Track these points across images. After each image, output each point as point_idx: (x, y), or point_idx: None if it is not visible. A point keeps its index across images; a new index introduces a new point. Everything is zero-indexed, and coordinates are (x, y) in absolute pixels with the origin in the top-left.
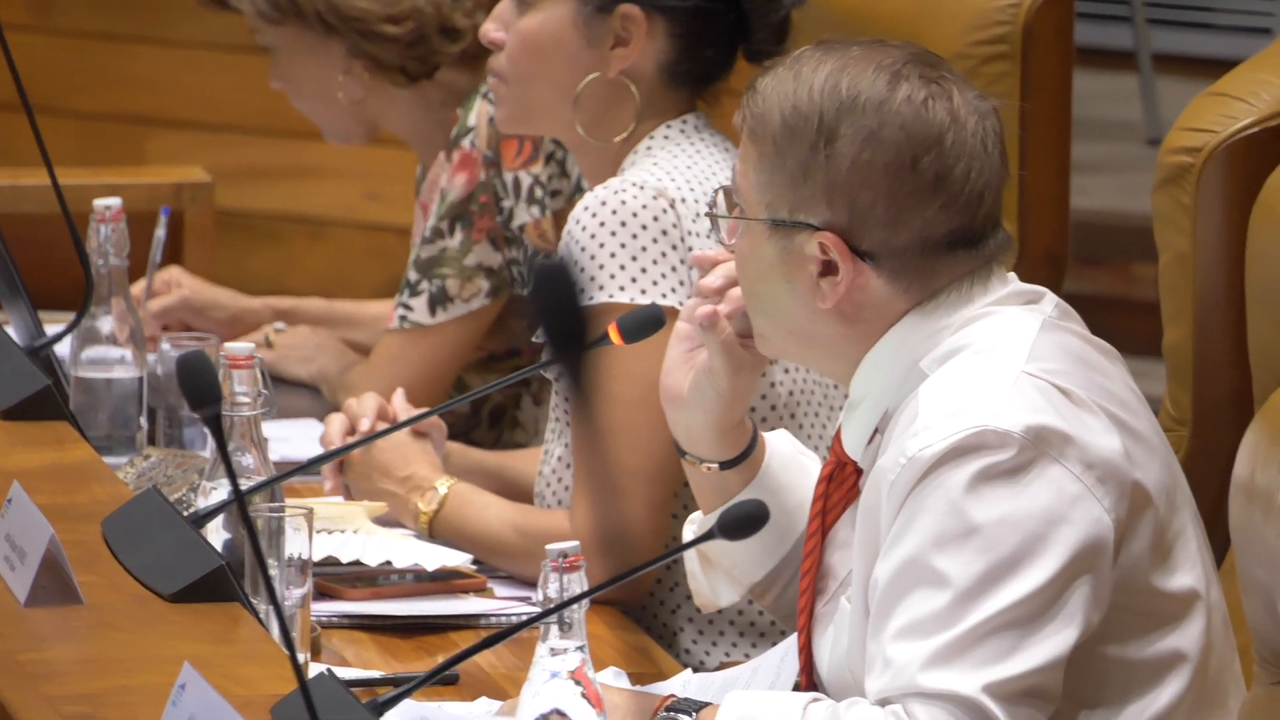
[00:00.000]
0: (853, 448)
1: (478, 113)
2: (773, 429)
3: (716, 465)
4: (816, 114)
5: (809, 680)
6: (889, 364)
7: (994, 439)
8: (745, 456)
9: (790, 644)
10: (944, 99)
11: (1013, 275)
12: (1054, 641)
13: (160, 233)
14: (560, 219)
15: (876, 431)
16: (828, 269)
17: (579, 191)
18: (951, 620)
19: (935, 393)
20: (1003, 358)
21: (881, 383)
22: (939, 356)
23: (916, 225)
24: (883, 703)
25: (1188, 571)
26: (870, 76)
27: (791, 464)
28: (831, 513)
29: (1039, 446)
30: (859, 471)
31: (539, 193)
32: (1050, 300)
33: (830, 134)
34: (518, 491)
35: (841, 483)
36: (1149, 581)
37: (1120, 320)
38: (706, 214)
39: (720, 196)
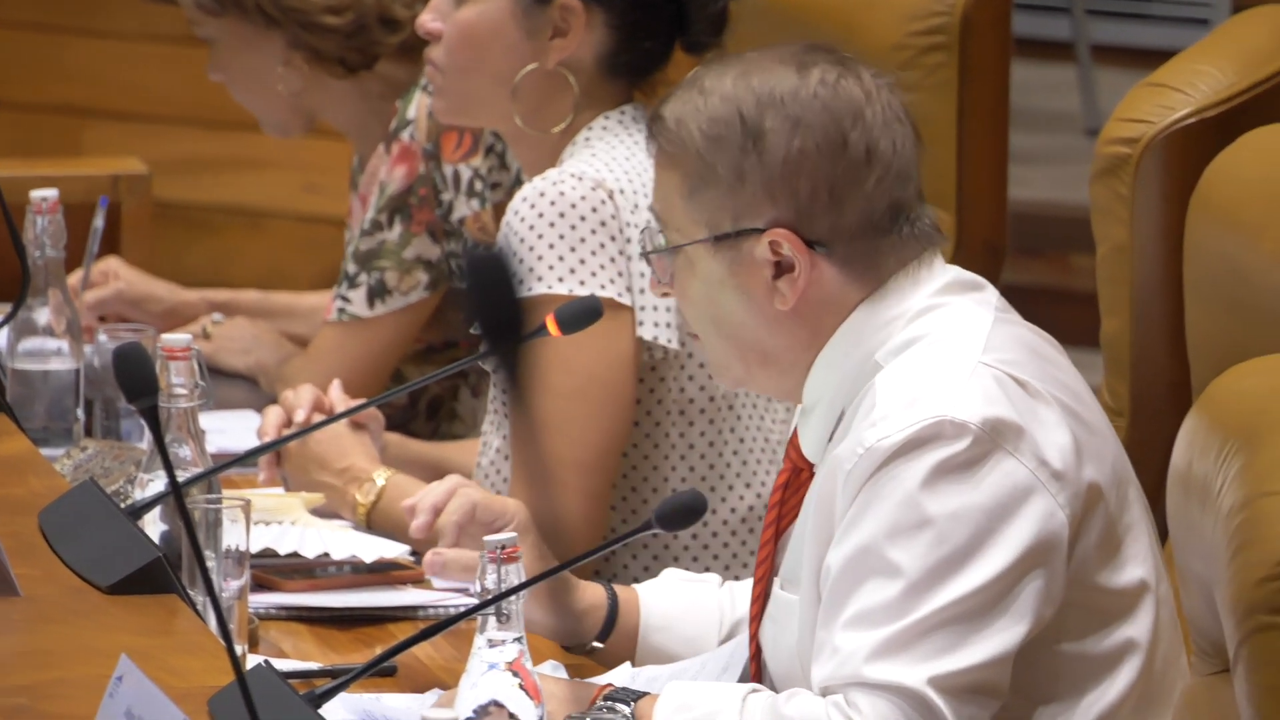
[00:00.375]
0: (812, 451)
1: (417, 105)
2: (712, 421)
3: (598, 644)
4: (736, 117)
5: (758, 674)
6: (842, 362)
7: (951, 430)
8: (611, 624)
9: (738, 642)
10: (853, 77)
11: (950, 265)
12: (1002, 636)
13: (98, 223)
14: (500, 211)
15: (834, 429)
16: (780, 269)
17: (519, 184)
18: (901, 612)
19: (892, 383)
20: (959, 349)
21: (835, 383)
22: (894, 348)
23: (860, 203)
24: (826, 692)
25: (1139, 564)
26: (777, 71)
27: (671, 613)
28: (785, 519)
29: (994, 439)
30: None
31: (479, 185)
32: (992, 291)
33: (756, 132)
34: None
35: (797, 489)
36: (1101, 576)
37: (1058, 311)
38: (642, 255)
39: (650, 240)
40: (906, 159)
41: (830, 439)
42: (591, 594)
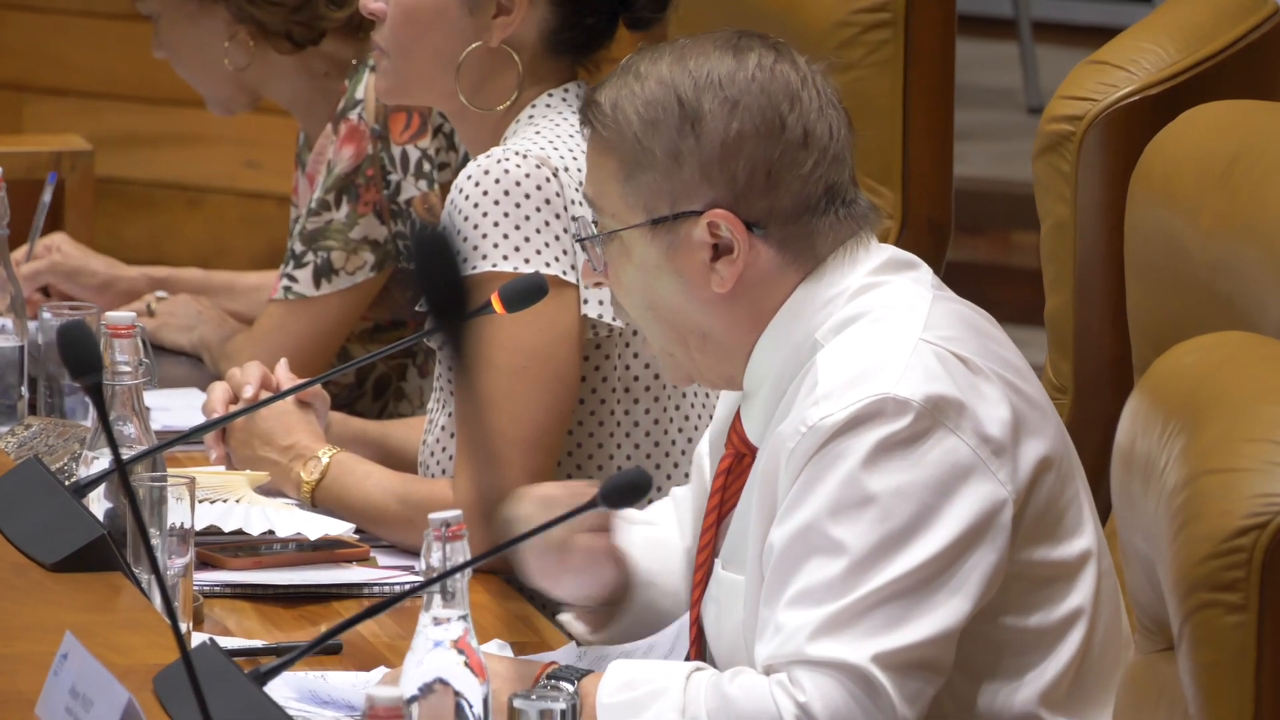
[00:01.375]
0: (756, 434)
1: (366, 85)
2: (656, 399)
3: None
4: (674, 100)
5: (699, 656)
6: (782, 343)
7: (893, 407)
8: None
9: (683, 625)
10: (788, 61)
11: (884, 245)
12: (945, 612)
13: (45, 198)
14: (448, 192)
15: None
16: (718, 252)
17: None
18: (844, 589)
19: (834, 361)
20: (900, 325)
21: (777, 366)
22: (833, 326)
23: (796, 185)
24: (769, 670)
25: (1082, 537)
26: (714, 55)
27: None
28: (728, 504)
29: (936, 416)
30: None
31: (427, 166)
32: (927, 270)
33: (695, 114)
34: (400, 461)
35: (739, 475)
36: (1044, 549)
37: (1000, 288)
38: (577, 239)
39: (586, 222)
40: (841, 143)
41: (772, 420)
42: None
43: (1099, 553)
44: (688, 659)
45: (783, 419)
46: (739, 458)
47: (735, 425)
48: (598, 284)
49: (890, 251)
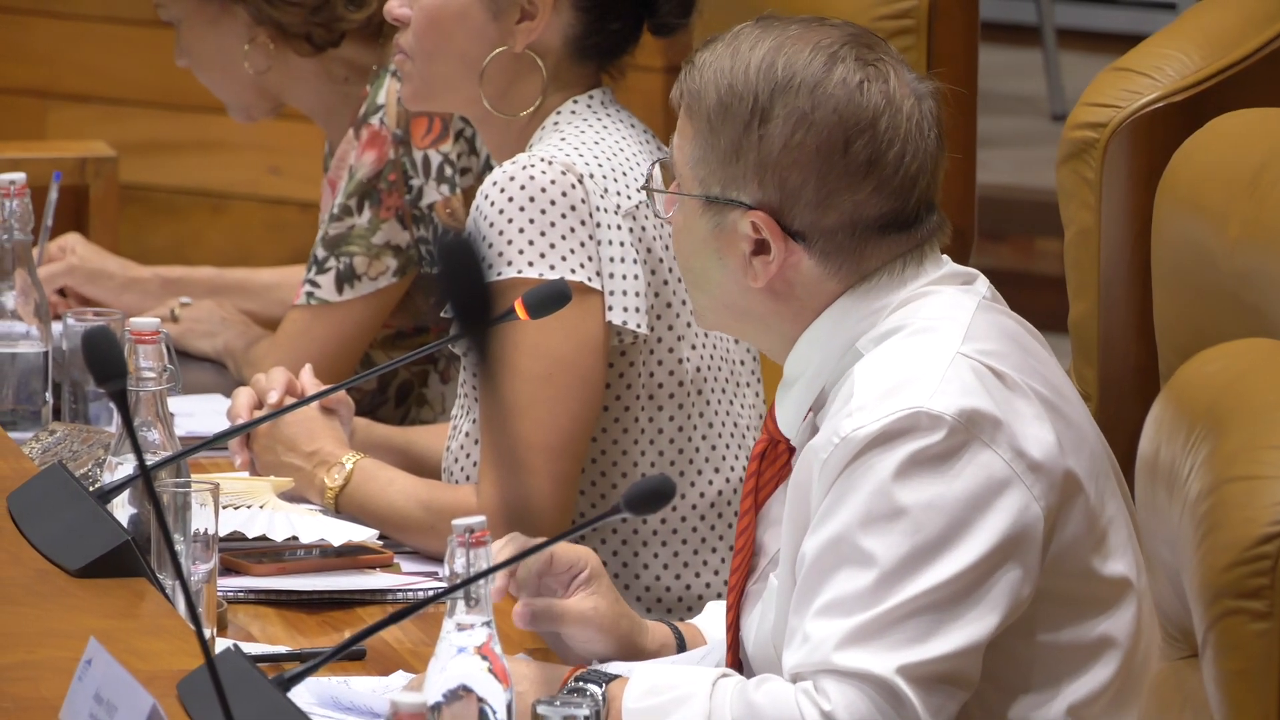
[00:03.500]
0: (787, 425)
1: (387, 90)
2: (681, 406)
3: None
4: (751, 94)
5: (735, 659)
6: (825, 343)
7: (926, 422)
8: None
9: (711, 647)
10: (880, 81)
11: (945, 258)
12: (973, 627)
13: (53, 195)
14: (470, 196)
15: (810, 409)
16: (760, 248)
17: (488, 169)
18: (873, 600)
19: (870, 373)
20: (939, 338)
21: (818, 362)
22: (875, 336)
23: (847, 208)
24: (796, 678)
25: (1119, 559)
26: (807, 57)
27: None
28: (764, 490)
29: (970, 430)
30: (792, 450)
31: (449, 171)
32: (984, 282)
33: (764, 114)
34: (424, 467)
35: (773, 461)
36: (1079, 568)
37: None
38: (641, 188)
39: (657, 170)
40: (914, 171)
41: (805, 419)
42: (659, 634)
43: (1138, 575)
44: (727, 651)
45: (818, 426)
46: (773, 443)
47: (771, 411)
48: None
49: (949, 267)
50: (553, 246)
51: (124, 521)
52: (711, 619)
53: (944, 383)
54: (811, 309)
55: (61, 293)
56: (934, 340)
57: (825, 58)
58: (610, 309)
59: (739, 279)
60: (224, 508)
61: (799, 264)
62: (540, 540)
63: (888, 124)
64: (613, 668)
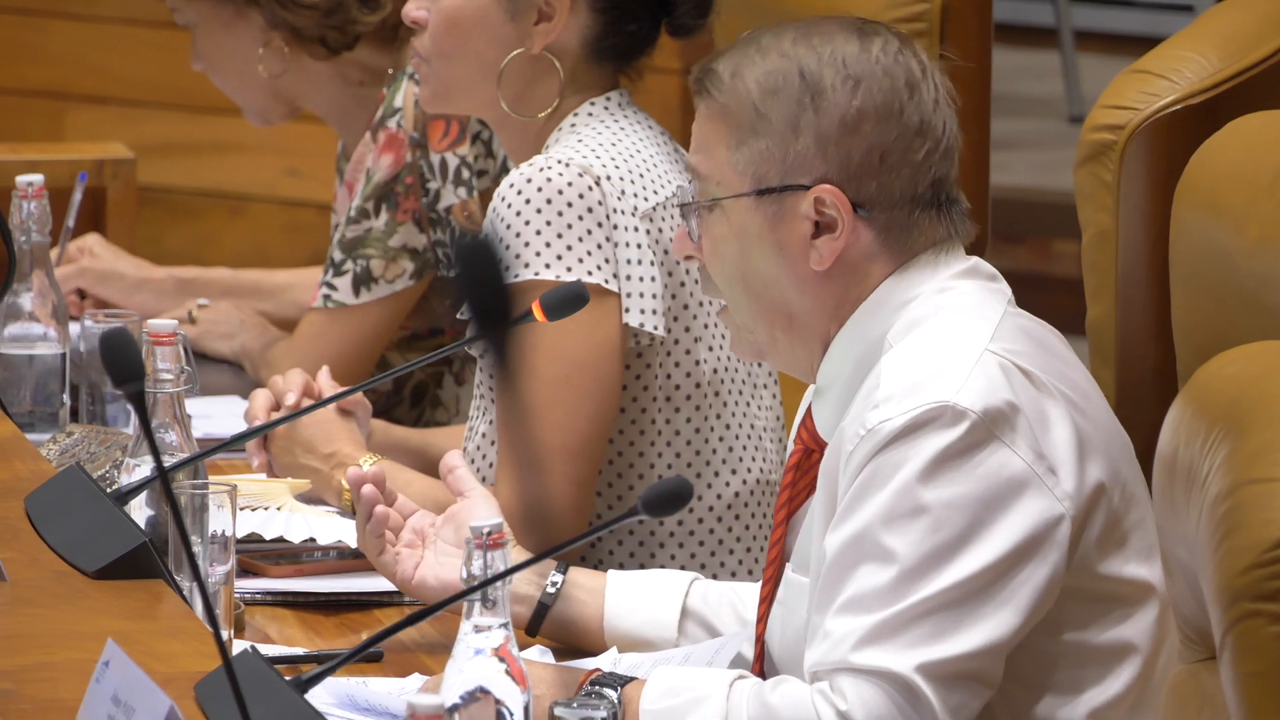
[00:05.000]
0: (827, 430)
1: (404, 94)
2: (698, 407)
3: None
4: (796, 71)
5: (760, 668)
6: (859, 340)
7: (950, 416)
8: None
9: (726, 639)
10: (912, 51)
11: (973, 255)
12: (992, 625)
13: (76, 197)
14: (487, 199)
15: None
16: (820, 229)
17: (506, 171)
18: (892, 598)
19: (897, 365)
20: (968, 334)
21: (851, 365)
22: (903, 328)
23: (907, 173)
24: (814, 677)
25: (1142, 563)
26: (840, 34)
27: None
28: (797, 500)
29: (993, 428)
30: None
31: (466, 174)
32: (1006, 286)
33: (816, 88)
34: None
35: (807, 471)
36: (1103, 568)
37: (1040, 297)
38: (679, 205)
39: (689, 190)
40: (952, 140)
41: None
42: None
43: (1161, 582)
44: (755, 658)
45: (847, 414)
46: (807, 454)
47: (806, 421)
48: (689, 257)
49: (975, 260)
50: (570, 248)
51: (141, 523)
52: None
53: (971, 378)
54: (855, 297)
55: (82, 294)
56: (963, 335)
57: (856, 33)
58: (627, 311)
59: (797, 268)
60: (241, 509)
61: (859, 241)
62: (559, 544)
63: (927, 89)
64: (625, 668)
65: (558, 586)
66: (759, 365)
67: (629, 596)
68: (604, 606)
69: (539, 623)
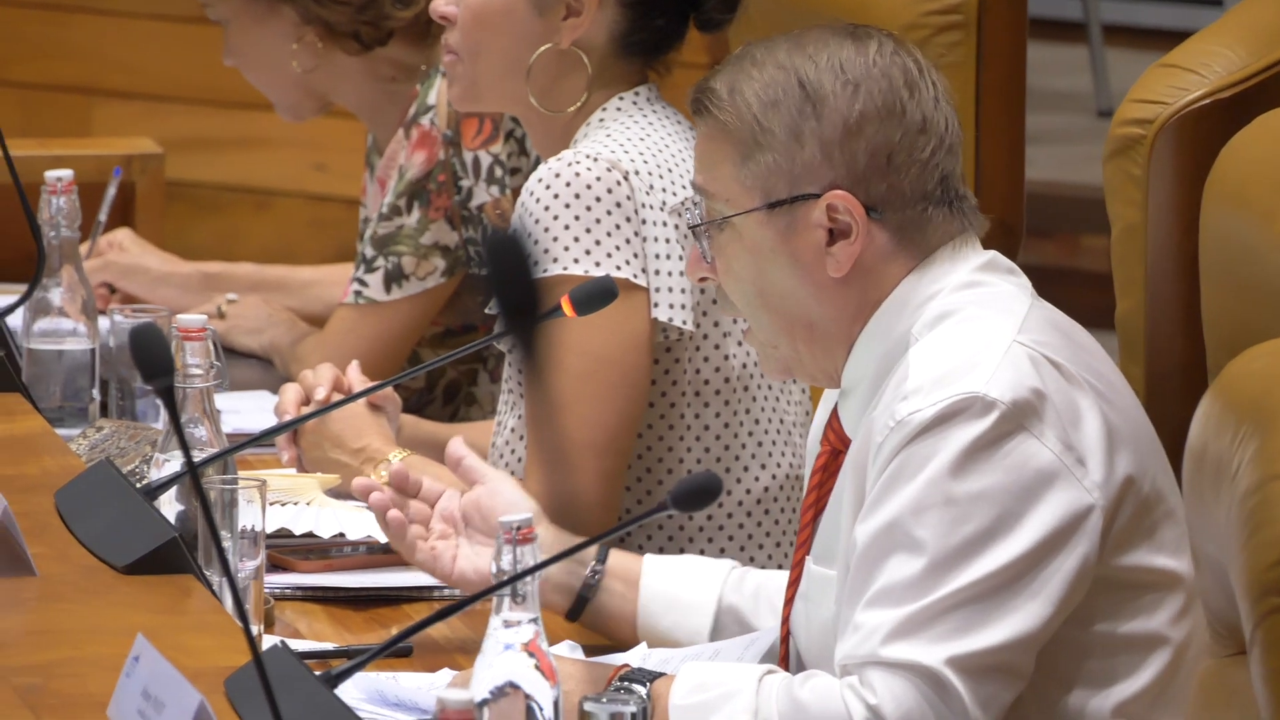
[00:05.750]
0: (854, 429)
1: (438, 91)
2: (727, 402)
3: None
4: (794, 81)
5: (787, 655)
6: (883, 339)
7: (981, 407)
8: (604, 555)
9: (755, 635)
10: (906, 51)
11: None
12: (1022, 617)
13: (110, 191)
14: (519, 197)
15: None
16: (834, 236)
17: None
18: (921, 590)
19: (925, 356)
20: (996, 326)
21: (877, 362)
22: (929, 321)
23: (914, 171)
24: (844, 671)
25: (1171, 555)
26: (833, 41)
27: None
28: (824, 500)
29: (1022, 419)
30: None
31: (499, 172)
32: (1026, 280)
33: (816, 95)
34: None
35: (834, 472)
36: (1132, 559)
37: (1069, 292)
38: (691, 228)
39: (698, 211)
40: (955, 136)
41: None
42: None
43: (1190, 574)
44: (780, 657)
45: (875, 406)
46: (834, 454)
47: (832, 422)
48: (704, 279)
49: (993, 254)
50: (598, 243)
51: (171, 518)
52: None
53: (1000, 369)
54: (876, 299)
55: (111, 288)
56: (991, 327)
57: (849, 36)
58: (656, 305)
59: (814, 277)
60: (271, 504)
61: (873, 243)
62: (584, 539)
63: (925, 86)
64: (654, 663)
65: (598, 577)
66: None
67: (663, 597)
68: (638, 604)
69: (578, 612)
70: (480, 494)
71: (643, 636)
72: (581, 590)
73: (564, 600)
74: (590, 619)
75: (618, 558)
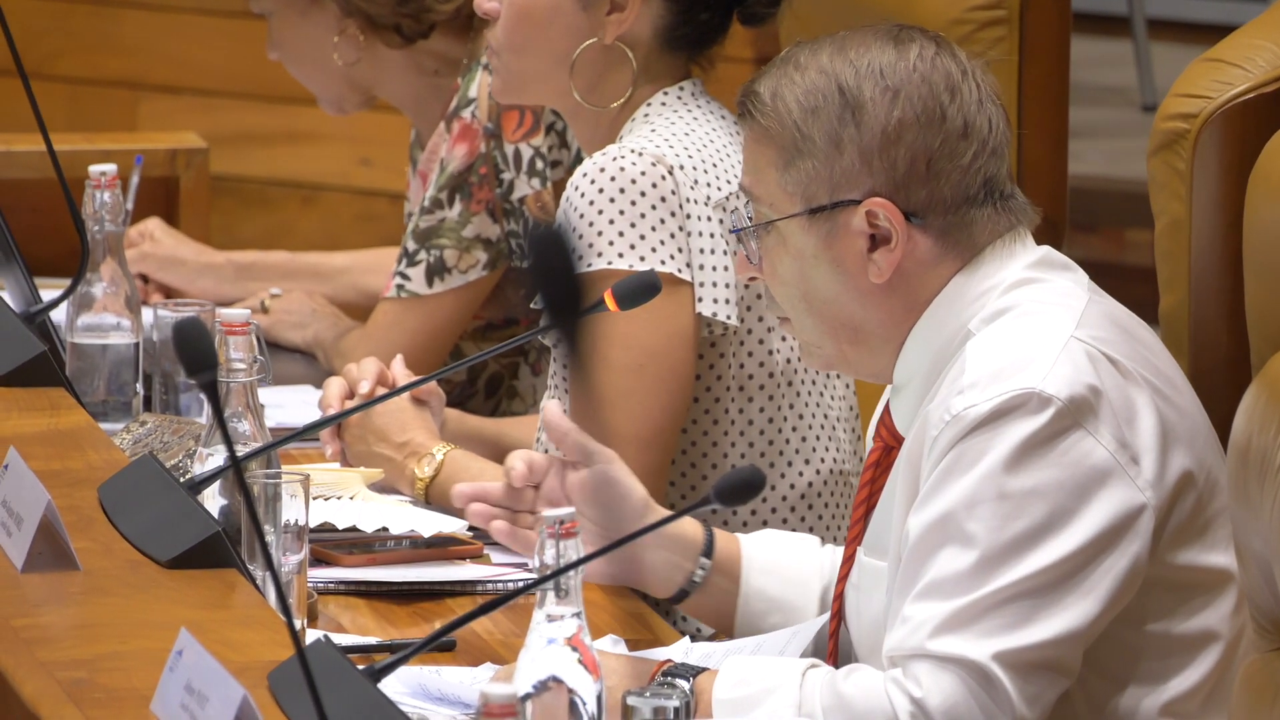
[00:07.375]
0: (906, 425)
1: (479, 84)
2: (771, 397)
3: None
4: (834, 88)
5: (836, 648)
6: (935, 337)
7: (1036, 403)
8: (710, 548)
9: (798, 628)
10: (948, 53)
11: (1043, 245)
12: (1072, 615)
13: (134, 180)
14: (560, 190)
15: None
16: (876, 242)
17: (579, 162)
18: (971, 584)
19: (982, 351)
20: (1053, 321)
21: (930, 358)
22: (987, 316)
23: (955, 176)
24: (891, 663)
25: (1222, 551)
26: (875, 45)
27: (775, 556)
28: (876, 496)
29: (1078, 416)
30: None
31: (540, 165)
32: (1083, 273)
33: (856, 102)
34: None
35: (887, 469)
36: (1186, 558)
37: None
38: (733, 231)
39: (743, 211)
40: (1000, 137)
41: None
42: (687, 526)
43: (1238, 573)
44: (829, 649)
45: (932, 399)
46: (887, 450)
47: (885, 419)
48: (752, 278)
49: (1046, 250)
50: (643, 238)
51: (214, 512)
52: (762, 535)
53: (1057, 365)
54: (924, 299)
55: (144, 279)
56: (1049, 322)
57: (891, 41)
58: (700, 300)
59: (857, 283)
60: (314, 499)
61: (915, 249)
62: (628, 535)
63: (969, 89)
64: (696, 658)
65: (705, 573)
66: None
67: (765, 598)
68: (736, 609)
69: (678, 600)
70: (605, 469)
71: (741, 633)
72: (685, 585)
73: (665, 589)
74: (690, 608)
75: (723, 546)
